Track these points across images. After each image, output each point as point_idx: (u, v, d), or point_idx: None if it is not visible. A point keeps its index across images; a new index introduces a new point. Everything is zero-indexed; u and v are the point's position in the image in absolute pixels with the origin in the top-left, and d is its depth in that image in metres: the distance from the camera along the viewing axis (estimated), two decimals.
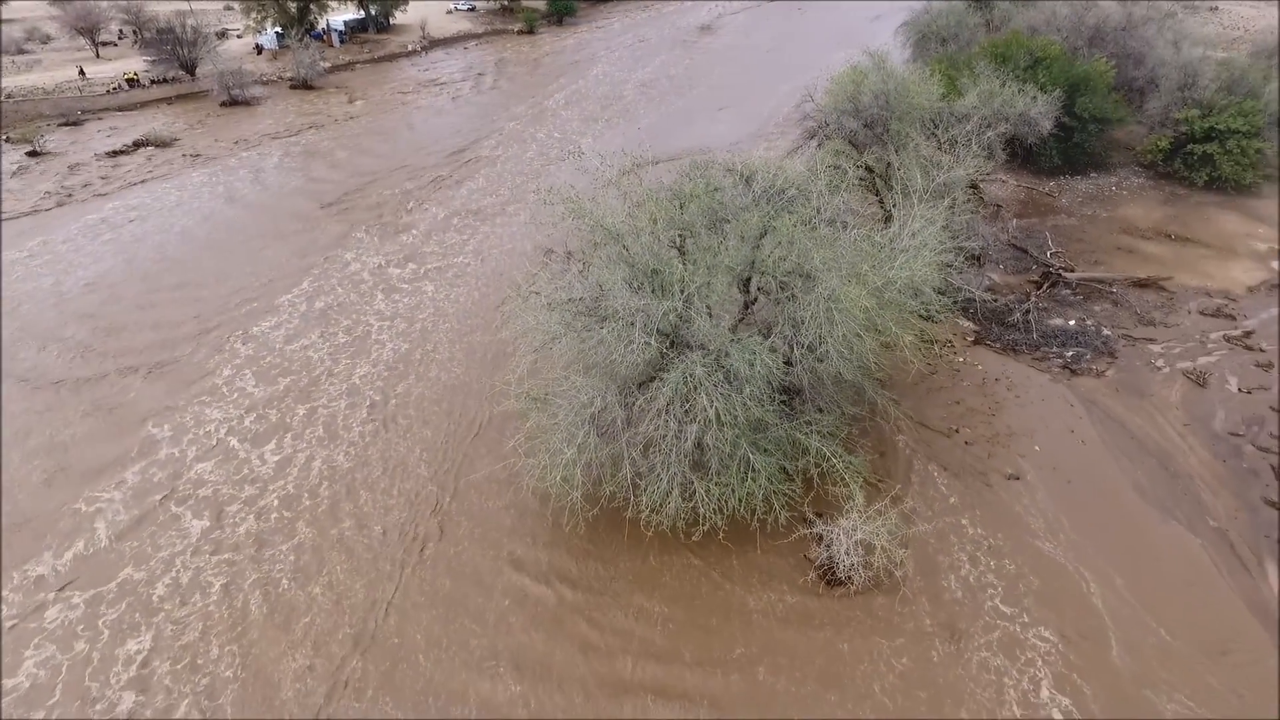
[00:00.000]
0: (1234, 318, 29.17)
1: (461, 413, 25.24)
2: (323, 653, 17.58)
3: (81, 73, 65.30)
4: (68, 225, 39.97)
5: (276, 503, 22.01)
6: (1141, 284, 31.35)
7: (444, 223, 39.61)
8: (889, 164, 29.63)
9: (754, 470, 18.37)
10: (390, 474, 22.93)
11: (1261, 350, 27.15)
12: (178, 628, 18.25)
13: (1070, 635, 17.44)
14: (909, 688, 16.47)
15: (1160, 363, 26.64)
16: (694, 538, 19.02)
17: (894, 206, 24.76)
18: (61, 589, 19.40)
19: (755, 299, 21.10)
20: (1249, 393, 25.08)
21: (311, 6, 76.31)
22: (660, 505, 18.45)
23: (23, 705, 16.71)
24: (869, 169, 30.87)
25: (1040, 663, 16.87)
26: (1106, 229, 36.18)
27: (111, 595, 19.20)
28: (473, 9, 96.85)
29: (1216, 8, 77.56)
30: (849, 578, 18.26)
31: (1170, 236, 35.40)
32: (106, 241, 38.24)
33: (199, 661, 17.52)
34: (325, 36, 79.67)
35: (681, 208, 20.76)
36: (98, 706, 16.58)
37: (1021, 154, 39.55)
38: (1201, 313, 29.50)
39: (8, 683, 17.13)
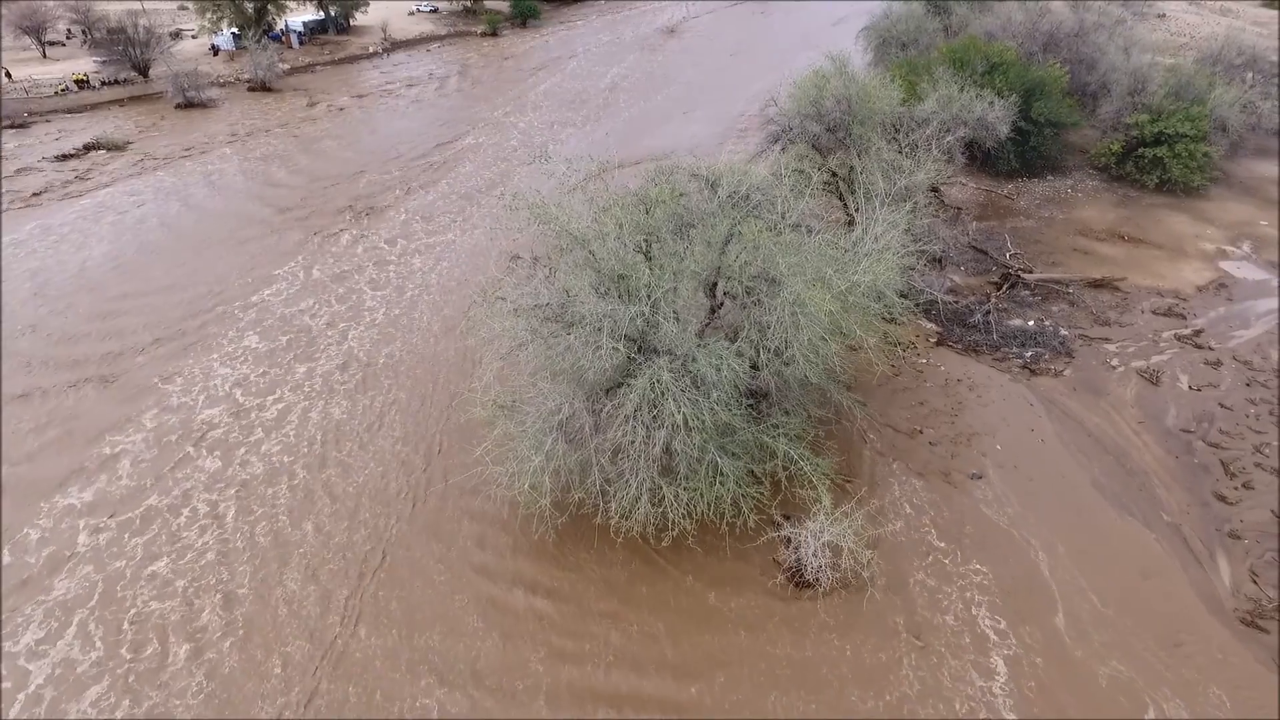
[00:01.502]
0: (1184, 317, 30.06)
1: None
2: (315, 580, 19.55)
3: (8, 75, 62.47)
4: (17, 230, 38.73)
5: (278, 448, 23.93)
6: (1097, 284, 32.16)
7: (405, 227, 39.13)
8: (851, 168, 29.99)
9: (722, 474, 18.44)
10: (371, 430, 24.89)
11: (1210, 349, 28.01)
12: (197, 552, 20.44)
13: (1030, 631, 17.82)
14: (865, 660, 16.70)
15: (1115, 362, 27.34)
16: (663, 543, 19.03)
17: (857, 210, 25.06)
18: (91, 516, 21.68)
19: (721, 304, 21.18)
20: (1199, 390, 25.85)
21: (269, 7, 74.90)
22: (629, 511, 18.42)
23: (64, 609, 18.84)
24: (833, 173, 31.22)
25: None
26: (1063, 230, 37.06)
27: (137, 523, 21.41)
28: (435, 10, 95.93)
29: (1164, 15, 79.93)
30: (817, 580, 18.41)
31: (1124, 238, 36.39)
32: (50, 251, 37.12)
33: (212, 581, 19.61)
34: (284, 38, 78.26)
35: (647, 212, 20.76)
36: (131, 611, 18.80)
37: (980, 157, 40.40)
38: (1154, 312, 30.36)
39: (54, 593, 19.32)
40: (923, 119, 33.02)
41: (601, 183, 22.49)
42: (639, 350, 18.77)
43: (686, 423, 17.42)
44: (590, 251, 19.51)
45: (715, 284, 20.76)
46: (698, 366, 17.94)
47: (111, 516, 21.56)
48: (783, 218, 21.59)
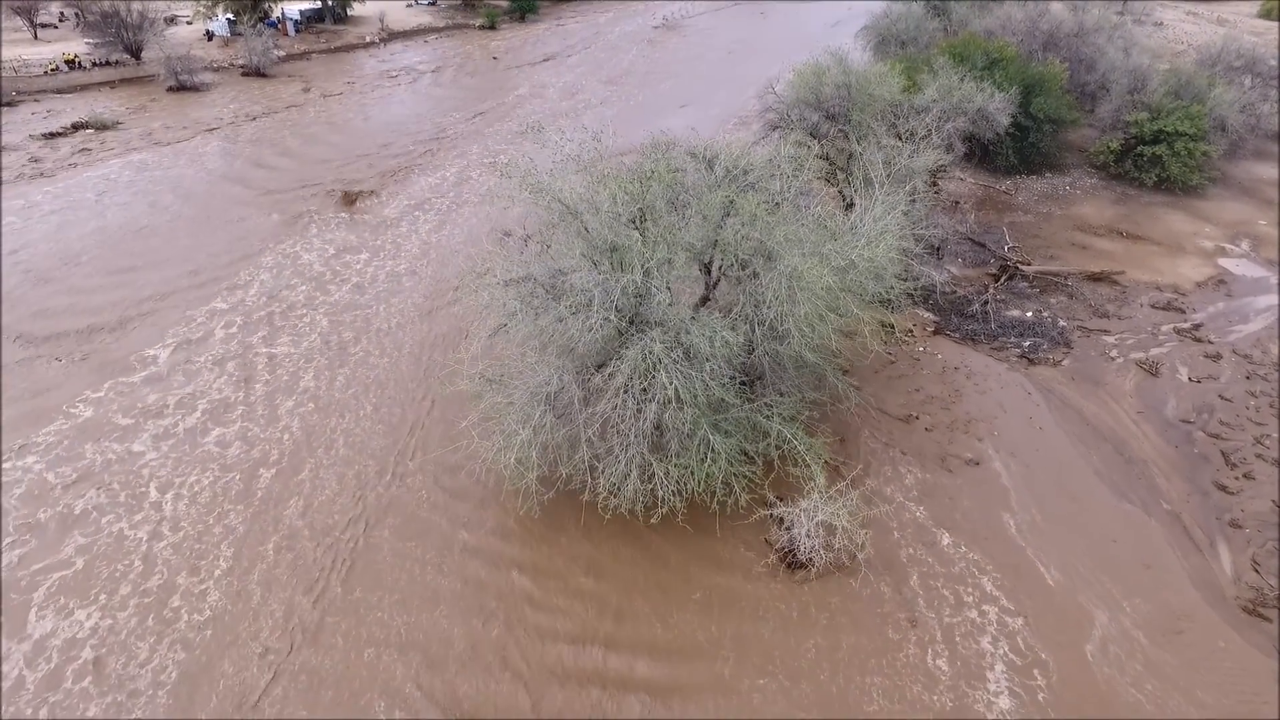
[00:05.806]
0: (1183, 311, 29.75)
1: None
2: (358, 380, 25.40)
3: None
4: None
5: (348, 289, 30.99)
6: (1095, 278, 31.83)
7: (400, 214, 38.59)
8: (850, 155, 29.56)
9: (714, 452, 17.88)
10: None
11: (1210, 342, 27.69)
12: (300, 348, 27.06)
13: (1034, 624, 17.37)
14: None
15: (1114, 353, 26.97)
16: (652, 520, 18.45)
17: (855, 193, 24.64)
18: (225, 322, 28.51)
19: (718, 281, 20.69)
20: (1198, 382, 25.50)
21: None
22: (618, 487, 17.90)
23: (219, 364, 25.87)
24: (829, 160, 30.79)
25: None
26: (1061, 226, 36.76)
27: (259, 317, 28.75)
28: (433, 3, 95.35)
29: (1161, 23, 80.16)
30: (810, 560, 17.90)
31: (1122, 234, 36.11)
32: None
33: (306, 366, 26.04)
34: (280, 25, 77.51)
35: (642, 185, 20.23)
36: (253, 396, 24.56)
37: (979, 153, 40.07)
38: (1153, 306, 30.03)
39: (189, 388, 24.89)
40: (922, 108, 32.65)
41: (600, 161, 22.02)
42: (630, 323, 18.25)
43: (678, 396, 16.91)
44: (582, 223, 19.00)
45: (711, 261, 20.28)
46: (690, 339, 17.43)
47: (244, 316, 28.74)
48: (781, 193, 21.13)
